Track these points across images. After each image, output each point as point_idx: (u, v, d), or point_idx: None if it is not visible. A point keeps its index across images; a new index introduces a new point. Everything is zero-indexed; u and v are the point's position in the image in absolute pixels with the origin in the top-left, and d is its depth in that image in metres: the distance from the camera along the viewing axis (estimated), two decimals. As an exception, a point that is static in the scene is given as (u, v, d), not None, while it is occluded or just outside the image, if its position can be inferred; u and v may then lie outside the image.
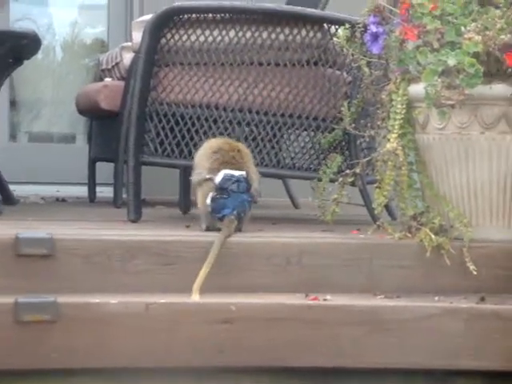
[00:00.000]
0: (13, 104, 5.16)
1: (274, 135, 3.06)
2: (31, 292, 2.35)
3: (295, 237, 2.61)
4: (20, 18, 5.21)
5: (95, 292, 2.40)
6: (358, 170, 2.78)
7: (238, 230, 2.63)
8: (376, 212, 2.65)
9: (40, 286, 2.39)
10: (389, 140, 2.60)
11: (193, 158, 2.83)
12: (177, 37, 3.03)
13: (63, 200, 4.23)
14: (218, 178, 2.64)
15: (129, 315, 2.28)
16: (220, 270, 2.43)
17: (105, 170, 4.32)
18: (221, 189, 2.63)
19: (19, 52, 3.36)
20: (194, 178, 2.75)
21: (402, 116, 2.59)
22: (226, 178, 2.63)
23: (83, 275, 2.43)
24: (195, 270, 2.44)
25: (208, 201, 2.65)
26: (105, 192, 4.37)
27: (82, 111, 4.33)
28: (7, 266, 2.38)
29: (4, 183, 3.76)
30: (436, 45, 2.43)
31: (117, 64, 4.03)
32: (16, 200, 3.81)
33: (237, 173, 2.65)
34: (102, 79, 4.22)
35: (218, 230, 2.57)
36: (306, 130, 3.08)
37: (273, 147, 3.08)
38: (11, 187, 3.82)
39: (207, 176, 2.68)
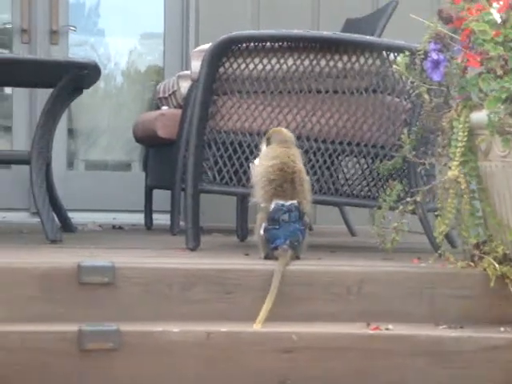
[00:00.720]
0: (70, 132, 5.23)
1: (332, 163, 3.05)
2: (93, 320, 2.37)
3: (355, 265, 2.59)
4: (79, 46, 5.30)
5: (156, 320, 2.41)
6: (418, 198, 2.74)
7: (296, 257, 2.63)
8: (437, 241, 2.61)
9: (101, 314, 2.41)
10: (450, 168, 2.57)
11: (252, 186, 2.83)
12: (235, 65, 3.04)
13: (120, 227, 4.27)
14: (270, 207, 2.65)
15: (190, 344, 2.28)
16: (280, 298, 2.42)
17: (161, 197, 4.34)
18: (272, 219, 2.64)
19: (80, 82, 3.40)
20: (252, 201, 2.76)
21: (464, 143, 2.56)
22: (277, 209, 2.64)
23: (143, 303, 2.44)
24: (255, 299, 2.44)
25: (261, 231, 2.66)
26: (161, 219, 4.39)
27: (139, 139, 4.37)
28: (70, 294, 2.41)
29: (63, 211, 3.80)
30: (499, 71, 2.41)
31: (174, 92, 4.06)
32: (74, 227, 3.84)
33: (288, 202, 2.65)
34: (158, 107, 4.25)
35: (276, 258, 2.57)
36: (364, 157, 3.06)
37: (331, 175, 3.07)
38: (69, 215, 3.86)
39: (262, 205, 2.69)
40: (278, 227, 2.62)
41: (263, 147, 2.82)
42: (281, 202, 2.64)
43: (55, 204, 3.65)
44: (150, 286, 2.45)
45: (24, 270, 2.41)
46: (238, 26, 4.56)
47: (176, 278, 2.47)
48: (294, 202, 2.65)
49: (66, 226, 3.75)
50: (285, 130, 2.82)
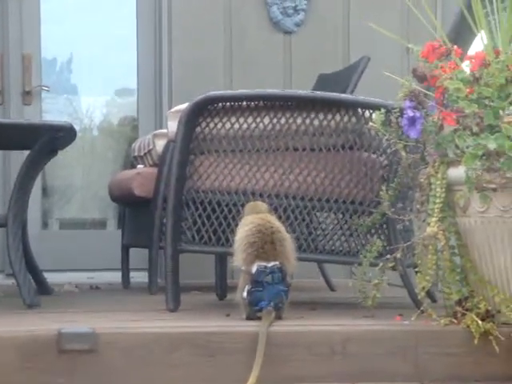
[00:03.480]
0: (44, 191, 5.20)
1: (311, 220, 3.06)
2: (74, 388, 2.34)
3: (338, 324, 2.58)
4: (52, 104, 5.30)
5: (139, 387, 2.37)
6: (398, 255, 2.75)
7: (278, 317, 2.62)
8: (419, 297, 2.61)
9: (83, 382, 2.37)
10: (429, 224, 2.58)
11: (230, 245, 2.82)
12: (212, 125, 3.05)
13: (97, 287, 4.22)
14: (253, 270, 2.65)
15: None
16: (265, 361, 2.40)
17: (137, 255, 4.31)
18: (256, 282, 2.64)
19: (55, 144, 3.39)
20: (233, 265, 2.74)
21: (442, 199, 2.58)
22: (260, 271, 2.64)
23: (127, 369, 2.42)
24: (239, 361, 2.42)
25: (244, 294, 2.65)
26: (137, 277, 4.36)
27: (115, 198, 4.35)
28: (51, 362, 2.37)
29: (39, 273, 3.76)
30: (475, 129, 2.44)
31: (149, 151, 4.06)
32: (51, 289, 3.80)
33: (270, 263, 2.65)
34: (134, 166, 4.25)
35: (259, 318, 2.56)
36: (343, 213, 3.06)
37: (310, 232, 3.07)
38: (45, 275, 3.82)
39: (243, 268, 2.69)
40: (261, 289, 2.62)
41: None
42: (263, 263, 2.64)
43: (31, 266, 3.61)
44: (133, 352, 2.42)
45: (3, 339, 2.37)
46: (210, 83, 4.62)
47: (159, 342, 2.44)
48: (277, 263, 2.65)
49: (43, 288, 3.71)
50: (259, 203, 2.86)
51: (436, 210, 2.57)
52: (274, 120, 3.02)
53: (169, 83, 4.92)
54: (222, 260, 3.54)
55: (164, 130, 4.07)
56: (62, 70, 5.54)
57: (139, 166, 4.14)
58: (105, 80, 5.43)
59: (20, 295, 3.18)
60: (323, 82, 4.16)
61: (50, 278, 3.97)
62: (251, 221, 2.75)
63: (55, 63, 5.43)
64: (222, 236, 3.05)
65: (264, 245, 2.67)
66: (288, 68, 4.91)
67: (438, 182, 2.59)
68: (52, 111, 5.29)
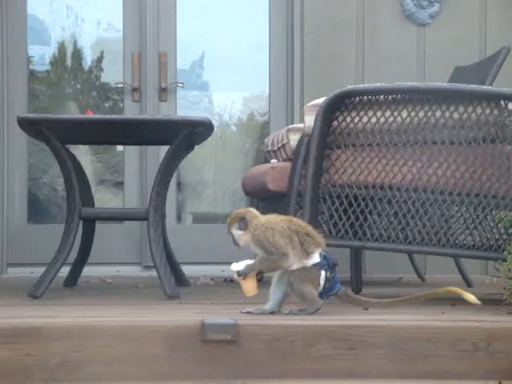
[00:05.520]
0: (178, 186, 5.32)
1: (450, 215, 3.01)
2: (217, 378, 2.38)
3: (481, 320, 2.53)
4: (186, 101, 5.41)
5: (280, 378, 2.40)
6: (544, 250, 2.67)
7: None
8: None
9: (225, 372, 2.42)
10: None
11: (368, 239, 2.81)
12: (349, 119, 3.05)
13: (231, 280, 4.28)
14: (314, 260, 2.63)
15: (318, 403, 2.25)
16: (402, 355, 2.40)
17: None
18: (333, 266, 2.65)
19: (194, 139, 3.46)
20: (294, 267, 2.66)
21: None
22: (326, 255, 2.65)
23: (267, 360, 2.44)
24: (378, 355, 2.41)
25: (322, 282, 2.64)
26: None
27: (248, 192, 4.40)
28: (194, 352, 2.42)
29: (177, 265, 3.85)
30: None
31: (283, 145, 4.08)
32: (188, 282, 3.88)
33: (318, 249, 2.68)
34: (267, 160, 4.28)
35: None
36: (483, 208, 3.00)
37: (449, 227, 3.03)
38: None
39: (301, 265, 2.65)
40: (335, 272, 2.66)
41: (235, 232, 2.73)
42: (319, 250, 2.65)
43: (169, 258, 3.70)
44: (273, 343, 2.45)
45: (150, 328, 2.44)
46: (342, 78, 4.62)
47: (299, 334, 2.46)
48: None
49: (180, 281, 3.79)
50: (248, 208, 2.80)
51: None
52: (413, 113, 2.99)
53: (300, 79, 4.94)
54: (358, 254, 3.53)
55: (298, 125, 4.08)
56: (194, 67, 5.65)
57: (273, 160, 4.17)
58: (236, 76, 5.49)
59: (161, 286, 3.27)
60: (459, 74, 4.08)
61: (185, 270, 4.06)
62: (271, 221, 2.69)
63: (188, 60, 5.54)
64: (358, 230, 3.04)
65: (306, 237, 2.64)
66: (421, 61, 4.84)
67: None
68: (185, 107, 5.40)
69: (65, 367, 2.36)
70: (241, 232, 2.71)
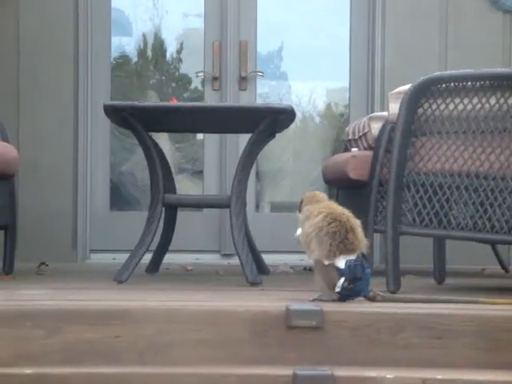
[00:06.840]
0: (257, 174, 5.34)
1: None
2: (303, 363, 2.39)
3: None
4: (264, 90, 5.43)
5: (366, 365, 2.39)
6: None
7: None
8: None
9: (311, 358, 2.42)
10: None
11: (453, 228, 2.76)
12: (434, 106, 3.01)
13: (310, 269, 4.27)
14: (339, 264, 2.57)
15: (406, 391, 2.24)
16: (492, 345, 2.36)
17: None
18: (353, 279, 2.58)
19: (276, 126, 3.47)
20: (312, 258, 2.65)
21: None
22: (356, 265, 2.57)
23: (353, 347, 2.43)
24: (466, 344, 2.38)
25: (338, 289, 2.59)
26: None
27: (328, 181, 4.39)
28: (279, 338, 2.43)
29: (257, 253, 3.87)
30: None
31: (364, 134, 4.06)
32: (268, 269, 3.90)
33: (356, 254, 2.58)
34: (347, 149, 4.26)
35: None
36: None
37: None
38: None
39: (325, 262, 2.60)
40: (360, 283, 2.58)
41: (298, 215, 2.73)
42: (351, 257, 2.57)
43: (250, 246, 3.72)
44: (358, 330, 2.44)
45: (235, 313, 2.46)
46: (424, 67, 4.56)
47: (384, 322, 2.44)
48: (360, 251, 2.59)
49: (260, 268, 3.81)
50: (316, 192, 2.76)
51: None
52: (501, 100, 2.93)
53: (381, 68, 4.90)
54: (441, 244, 3.48)
55: (380, 113, 4.06)
56: (272, 57, 5.65)
57: (353, 149, 4.15)
58: (315, 66, 5.47)
59: (242, 273, 3.29)
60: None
61: (264, 258, 4.07)
62: (319, 211, 2.63)
63: (267, 50, 5.55)
64: (443, 219, 3.00)
65: (347, 234, 2.58)
66: (507, 48, 4.76)
67: None
68: (264, 96, 5.41)
69: (152, 350, 2.39)
70: (298, 213, 2.76)
